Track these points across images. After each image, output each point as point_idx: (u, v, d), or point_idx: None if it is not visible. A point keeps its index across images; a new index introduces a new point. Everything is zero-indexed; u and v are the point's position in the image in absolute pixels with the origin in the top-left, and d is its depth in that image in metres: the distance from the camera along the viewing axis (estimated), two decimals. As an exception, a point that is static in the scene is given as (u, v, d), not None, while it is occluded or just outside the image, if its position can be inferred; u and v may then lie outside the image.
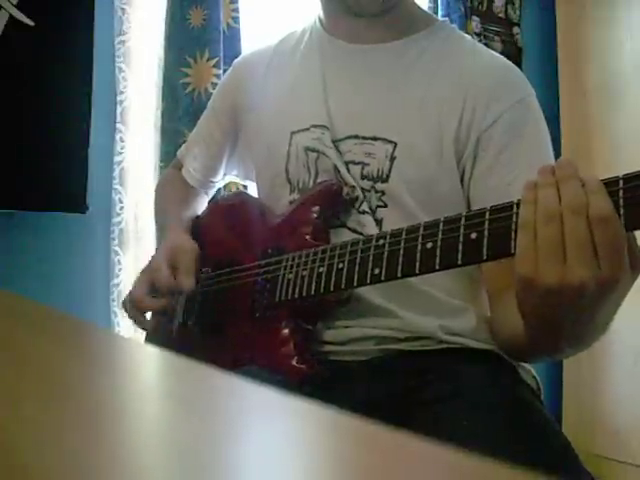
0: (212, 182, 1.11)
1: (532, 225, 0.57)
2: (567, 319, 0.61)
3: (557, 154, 0.85)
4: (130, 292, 0.90)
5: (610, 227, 0.54)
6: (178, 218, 1.00)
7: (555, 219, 0.56)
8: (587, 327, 0.63)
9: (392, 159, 0.84)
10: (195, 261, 0.88)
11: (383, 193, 0.84)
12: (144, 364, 0.33)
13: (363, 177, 0.85)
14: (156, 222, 1.13)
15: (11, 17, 1.46)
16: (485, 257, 0.62)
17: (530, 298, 0.60)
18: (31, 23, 1.48)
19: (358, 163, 0.85)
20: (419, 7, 0.97)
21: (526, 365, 0.87)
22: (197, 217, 1.03)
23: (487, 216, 0.62)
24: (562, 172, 0.57)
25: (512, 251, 0.60)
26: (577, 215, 0.55)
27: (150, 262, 0.91)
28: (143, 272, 0.90)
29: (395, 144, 0.84)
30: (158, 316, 0.92)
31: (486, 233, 0.62)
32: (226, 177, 1.11)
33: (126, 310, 0.91)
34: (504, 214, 0.61)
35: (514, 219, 0.60)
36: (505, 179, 0.81)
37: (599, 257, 0.55)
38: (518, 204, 0.60)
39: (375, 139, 0.85)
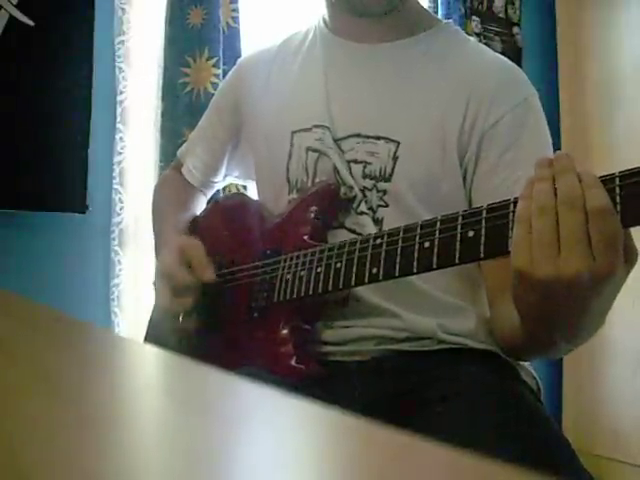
0: (213, 182, 1.10)
1: (527, 219, 0.57)
2: (562, 311, 0.61)
3: (557, 154, 0.85)
4: (156, 306, 0.91)
5: (607, 220, 0.54)
6: (175, 222, 0.98)
7: (548, 212, 0.56)
8: (582, 320, 0.63)
9: (395, 158, 0.84)
10: (205, 254, 0.85)
11: (385, 192, 0.84)
12: (143, 364, 0.33)
13: (365, 176, 0.85)
14: (153, 225, 1.10)
15: (11, 17, 1.46)
16: (482, 255, 0.62)
17: (526, 291, 0.60)
18: (31, 23, 1.48)
19: (360, 162, 0.85)
20: (423, 8, 0.97)
21: (526, 365, 0.86)
22: (195, 218, 1.02)
23: (484, 214, 0.62)
24: (559, 165, 0.58)
25: (509, 249, 0.60)
26: (572, 208, 0.55)
27: (159, 268, 0.88)
28: (158, 280, 0.87)
29: (398, 143, 0.84)
30: (191, 316, 0.87)
31: (483, 231, 0.62)
32: (227, 178, 1.10)
33: (160, 324, 0.89)
34: (501, 212, 0.61)
35: (511, 217, 0.60)
36: (509, 179, 0.81)
37: (594, 249, 0.55)
38: (515, 202, 0.60)
39: (378, 138, 0.85)
